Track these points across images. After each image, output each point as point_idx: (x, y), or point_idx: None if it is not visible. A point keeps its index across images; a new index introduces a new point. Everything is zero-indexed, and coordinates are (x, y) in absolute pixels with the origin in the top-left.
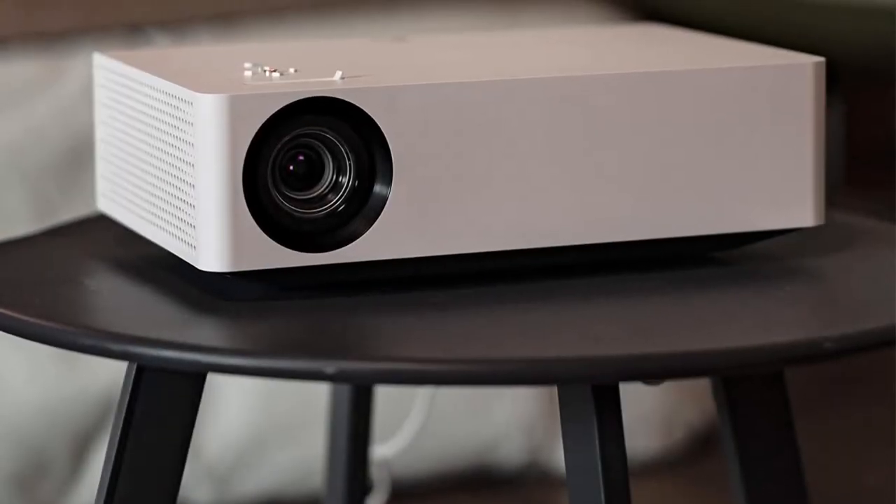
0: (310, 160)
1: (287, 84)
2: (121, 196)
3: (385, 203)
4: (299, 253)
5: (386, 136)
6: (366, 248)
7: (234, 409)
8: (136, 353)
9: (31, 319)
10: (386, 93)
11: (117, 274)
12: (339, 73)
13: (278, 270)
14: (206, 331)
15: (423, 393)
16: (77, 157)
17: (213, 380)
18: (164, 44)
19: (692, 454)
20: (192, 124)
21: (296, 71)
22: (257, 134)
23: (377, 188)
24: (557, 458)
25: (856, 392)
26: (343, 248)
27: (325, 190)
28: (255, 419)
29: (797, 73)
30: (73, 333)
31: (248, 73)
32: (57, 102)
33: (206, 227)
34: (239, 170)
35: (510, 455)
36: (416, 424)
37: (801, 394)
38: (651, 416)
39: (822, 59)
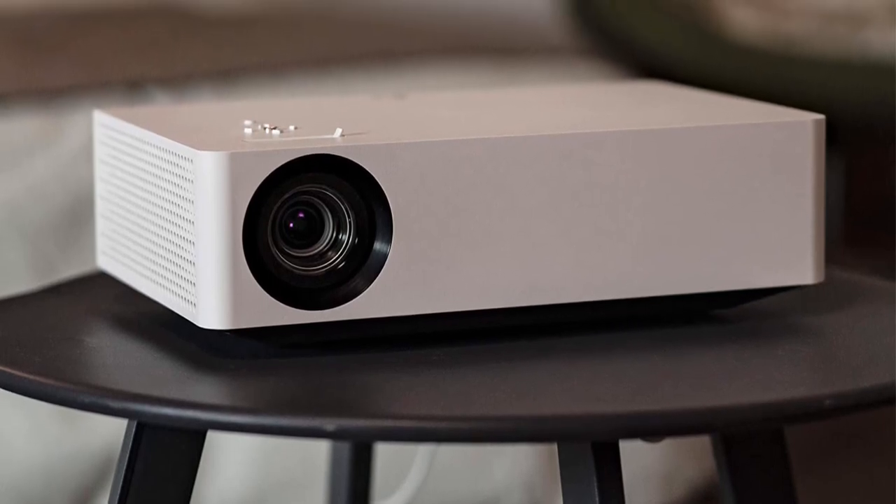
0: (310, 217)
1: (287, 141)
2: (121, 253)
3: (385, 260)
4: (299, 310)
5: (386, 193)
6: (366, 305)
7: (235, 465)
8: (136, 411)
9: (31, 377)
10: (386, 150)
11: (117, 331)
12: (338, 131)
13: (278, 328)
14: (206, 388)
15: (423, 450)
16: (77, 215)
17: (213, 436)
18: (165, 101)
19: None
20: (191, 181)
21: (296, 128)
22: (257, 191)
23: (377, 245)
24: None
25: (856, 449)
26: (343, 306)
27: (325, 247)
28: (256, 476)
29: (797, 130)
30: (72, 391)
31: (248, 131)
32: (57, 160)
33: (205, 284)
34: (239, 227)
35: None
36: (417, 482)
37: (801, 451)
38: (651, 473)
39: (821, 116)
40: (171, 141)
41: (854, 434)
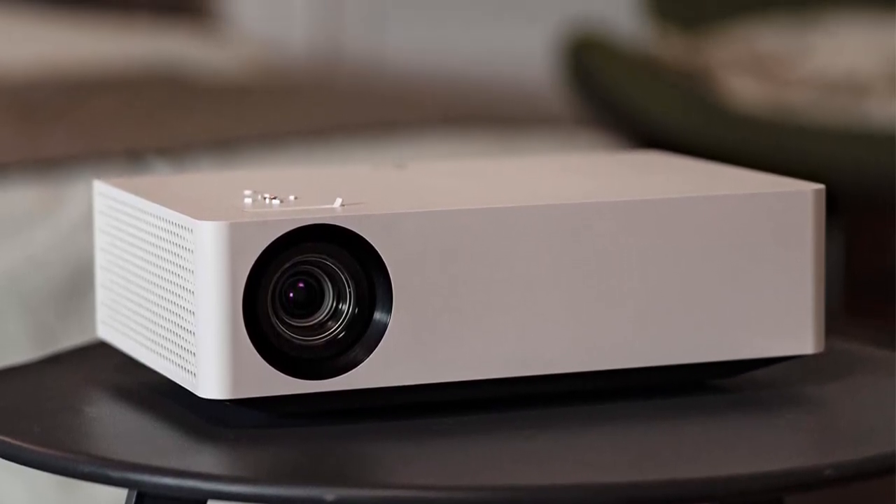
0: (310, 287)
1: (287, 211)
2: (121, 323)
3: (385, 330)
4: (299, 380)
5: (386, 263)
6: (366, 375)
7: None
8: (136, 480)
9: (31, 447)
10: (386, 220)
11: (117, 401)
12: (338, 201)
13: (278, 398)
14: (206, 458)
15: None
16: (76, 284)
17: None
18: (164, 170)
19: None
20: (191, 251)
21: (296, 198)
22: (257, 261)
23: (377, 315)
24: None
25: None
26: (343, 376)
27: (325, 317)
28: None
29: (797, 200)
30: (72, 460)
31: (247, 201)
32: (57, 229)
33: (205, 354)
34: (239, 297)
35: None
36: None
37: None
38: None
39: (821, 186)
40: (170, 211)
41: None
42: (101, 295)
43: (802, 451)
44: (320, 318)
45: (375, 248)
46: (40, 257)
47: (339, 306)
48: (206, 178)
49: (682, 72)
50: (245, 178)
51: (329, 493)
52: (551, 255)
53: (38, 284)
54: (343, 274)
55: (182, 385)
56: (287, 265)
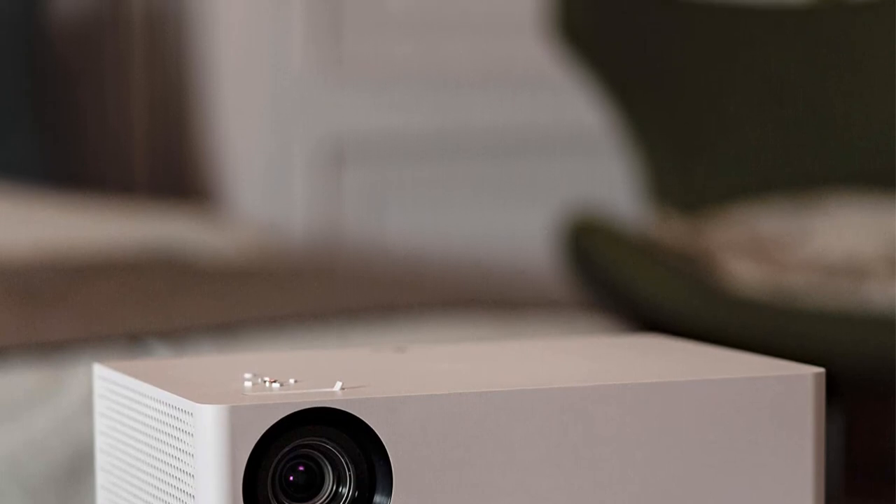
0: (310, 470)
1: (287, 395)
2: None
3: None
4: None
5: (386, 446)
6: None
7: None
8: None
9: None
10: (386, 404)
11: None
12: (338, 384)
13: None
14: None
15: None
16: (76, 468)
17: None
18: (164, 354)
19: None
20: (191, 435)
21: (296, 381)
22: (257, 445)
23: (377, 499)
24: None
25: None
26: None
27: (325, 500)
28: None
29: (797, 383)
30: None
31: (247, 384)
32: (57, 413)
33: None
34: (239, 481)
35: None
36: None
37: None
38: None
39: (821, 369)
40: (170, 394)
41: None
42: (101, 478)
43: None
44: (320, 501)
45: (375, 431)
46: (40, 441)
47: (339, 489)
48: (207, 362)
49: (682, 255)
50: (245, 362)
51: None
52: (551, 439)
53: (39, 468)
54: (343, 457)
55: None
56: (287, 448)
